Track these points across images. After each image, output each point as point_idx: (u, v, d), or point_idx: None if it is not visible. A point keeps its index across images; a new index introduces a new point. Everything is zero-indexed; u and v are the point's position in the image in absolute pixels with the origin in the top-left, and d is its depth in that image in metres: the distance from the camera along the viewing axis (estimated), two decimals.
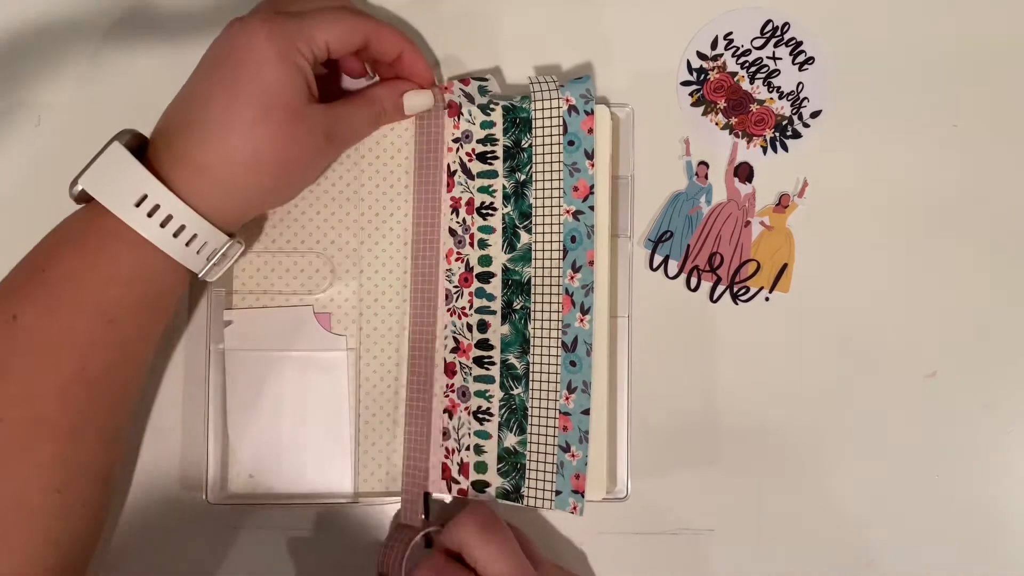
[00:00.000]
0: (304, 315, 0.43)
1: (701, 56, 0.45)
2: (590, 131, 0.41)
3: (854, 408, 0.44)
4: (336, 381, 0.43)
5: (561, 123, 0.41)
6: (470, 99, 0.42)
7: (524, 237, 0.41)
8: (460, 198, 0.42)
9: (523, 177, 0.41)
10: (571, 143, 0.41)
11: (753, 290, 0.44)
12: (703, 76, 0.45)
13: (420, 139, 0.43)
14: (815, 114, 0.45)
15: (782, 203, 0.44)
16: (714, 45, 0.45)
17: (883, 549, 0.44)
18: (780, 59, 0.45)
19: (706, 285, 0.44)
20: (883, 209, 0.45)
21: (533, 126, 0.41)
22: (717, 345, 0.44)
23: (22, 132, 0.43)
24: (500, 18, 0.45)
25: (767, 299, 0.44)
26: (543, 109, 0.41)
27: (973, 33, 0.45)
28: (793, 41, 0.45)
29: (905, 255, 0.44)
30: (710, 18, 0.45)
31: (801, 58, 0.45)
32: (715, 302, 0.44)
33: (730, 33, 0.45)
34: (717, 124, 0.45)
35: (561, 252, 0.40)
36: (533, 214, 0.41)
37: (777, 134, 0.45)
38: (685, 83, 0.45)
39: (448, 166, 0.43)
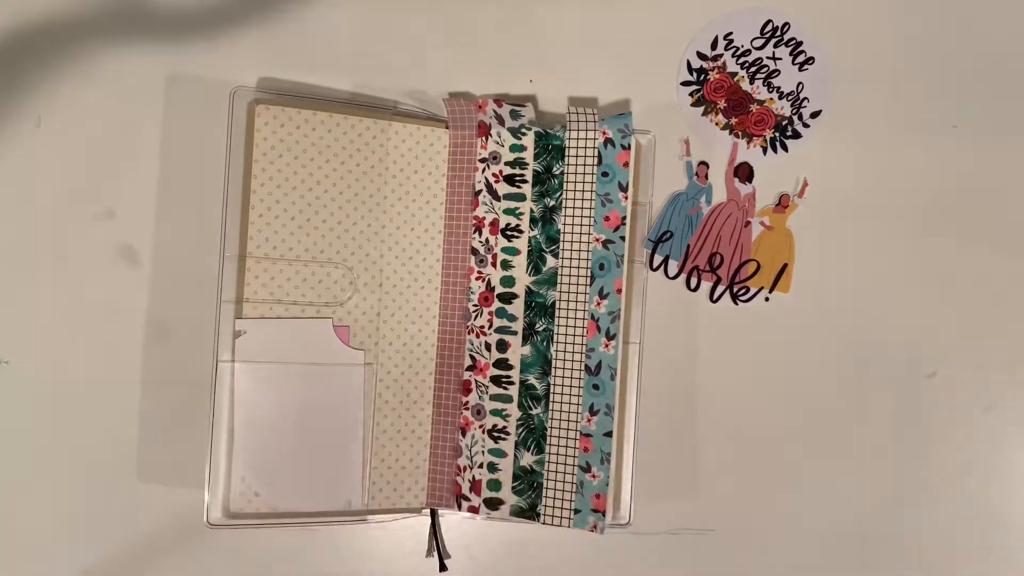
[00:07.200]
0: (323, 328, 0.41)
1: (701, 56, 0.45)
2: (625, 165, 0.41)
3: (854, 408, 0.44)
4: (351, 397, 0.41)
5: (596, 155, 0.41)
6: (500, 121, 0.42)
7: (550, 261, 0.42)
8: (484, 218, 0.42)
9: (552, 203, 0.42)
10: (605, 174, 0.41)
11: (753, 290, 0.44)
12: (703, 76, 0.45)
13: (454, 159, 0.43)
14: (815, 114, 0.45)
15: (782, 203, 0.44)
16: (714, 45, 0.45)
17: (883, 549, 0.44)
18: (780, 59, 0.45)
19: (706, 285, 0.44)
20: (883, 209, 0.45)
21: (567, 155, 0.41)
22: (717, 345, 0.44)
23: (22, 132, 0.43)
24: (503, 21, 0.45)
25: (767, 299, 0.44)
26: (578, 139, 0.41)
27: (973, 34, 0.45)
28: (793, 41, 0.45)
29: (905, 255, 0.44)
30: (710, 18, 0.45)
31: (801, 58, 0.45)
32: (715, 302, 0.44)
33: (730, 33, 0.45)
34: (717, 124, 0.45)
35: (588, 279, 0.41)
36: (561, 240, 0.41)
37: (777, 134, 0.45)
38: (685, 83, 0.45)
39: (473, 185, 0.43)
